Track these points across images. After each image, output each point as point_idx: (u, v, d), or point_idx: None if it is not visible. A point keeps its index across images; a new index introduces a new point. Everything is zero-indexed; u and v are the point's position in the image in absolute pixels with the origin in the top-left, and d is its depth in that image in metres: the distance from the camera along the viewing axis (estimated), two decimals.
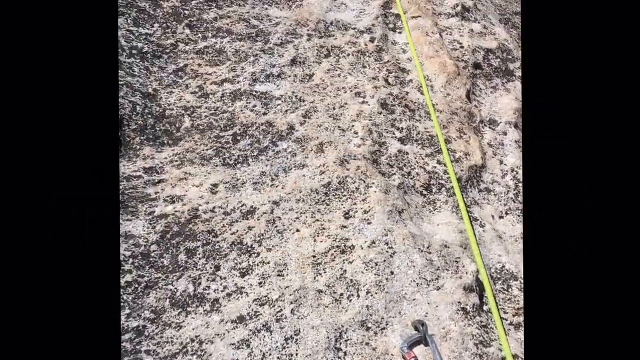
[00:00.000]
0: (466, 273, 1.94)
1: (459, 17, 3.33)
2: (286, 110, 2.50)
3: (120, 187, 2.11)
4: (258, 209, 2.07)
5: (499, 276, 2.09)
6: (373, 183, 2.18)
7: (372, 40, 2.96)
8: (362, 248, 1.92)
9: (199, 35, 2.83)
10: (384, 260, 1.88)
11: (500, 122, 2.74)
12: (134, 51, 2.63)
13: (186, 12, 2.92)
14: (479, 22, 3.34)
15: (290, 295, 1.79)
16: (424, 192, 2.30)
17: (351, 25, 3.07)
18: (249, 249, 1.93)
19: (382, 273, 1.85)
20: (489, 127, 2.71)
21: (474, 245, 2.03)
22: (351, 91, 2.64)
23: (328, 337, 1.69)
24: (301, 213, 2.06)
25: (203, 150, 2.31)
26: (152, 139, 2.34)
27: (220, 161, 2.27)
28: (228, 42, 2.82)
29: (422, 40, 3.01)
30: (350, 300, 1.79)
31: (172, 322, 1.72)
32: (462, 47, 3.09)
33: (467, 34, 3.20)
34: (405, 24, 3.09)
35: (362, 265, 1.86)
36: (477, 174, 2.45)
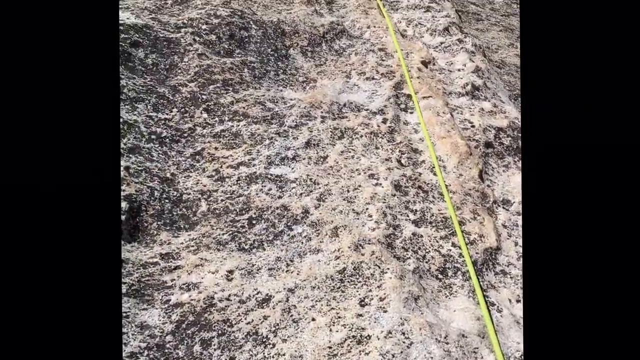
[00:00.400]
0: None
1: (469, 96, 3.41)
2: (301, 194, 2.54)
3: (137, 275, 2.13)
4: (273, 296, 2.07)
5: None
6: (388, 269, 2.17)
7: (384, 121, 3.03)
8: (378, 338, 1.90)
9: (216, 119, 2.92)
10: (401, 352, 1.86)
11: (514, 202, 2.75)
12: (153, 136, 2.71)
13: (204, 96, 3.02)
14: (489, 101, 3.42)
15: None
16: (440, 276, 2.29)
17: (364, 106, 3.15)
18: (264, 340, 1.92)
19: None
20: (503, 208, 2.72)
21: (492, 334, 2.00)
22: (365, 173, 2.68)
23: None
24: (316, 301, 2.06)
25: (219, 234, 2.34)
26: (169, 223, 2.38)
27: (236, 246, 2.29)
28: (244, 125, 2.90)
29: (433, 121, 3.07)
30: None
31: None
32: (473, 126, 3.15)
33: (477, 113, 3.26)
34: (417, 104, 3.17)
35: (379, 357, 1.84)
36: (493, 257, 2.44)
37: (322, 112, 3.05)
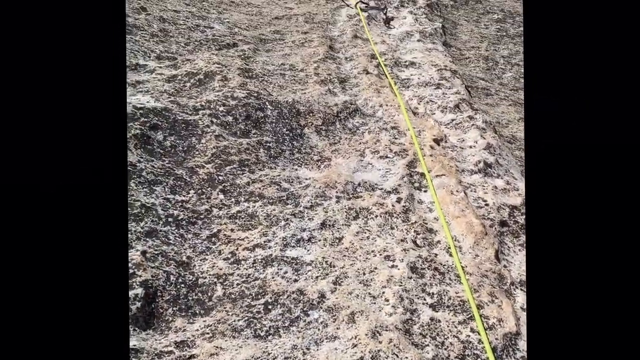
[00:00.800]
0: None
1: (482, 174, 3.44)
2: (317, 277, 2.53)
3: None
4: None
5: None
6: (407, 357, 2.13)
7: (398, 200, 3.05)
8: None
9: (232, 200, 2.96)
10: None
11: None
12: (170, 219, 2.74)
13: (220, 177, 3.08)
14: (501, 178, 3.44)
15: None
16: None
17: (378, 185, 3.19)
18: None
19: None
20: (521, 289, 2.68)
21: None
22: (380, 255, 2.68)
23: None
24: None
25: (234, 320, 2.32)
26: (184, 309, 2.37)
27: (251, 333, 2.27)
28: (260, 206, 2.93)
29: (447, 200, 3.09)
30: None
31: None
32: (487, 204, 3.16)
33: (491, 190, 3.28)
34: (430, 183, 3.20)
35: None
36: (513, 342, 2.39)
37: (336, 192, 3.09)
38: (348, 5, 6.25)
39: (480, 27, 6.87)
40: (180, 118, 3.38)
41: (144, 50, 4.07)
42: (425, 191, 3.22)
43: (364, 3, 6.16)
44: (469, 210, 3.02)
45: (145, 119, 3.23)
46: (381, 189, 3.16)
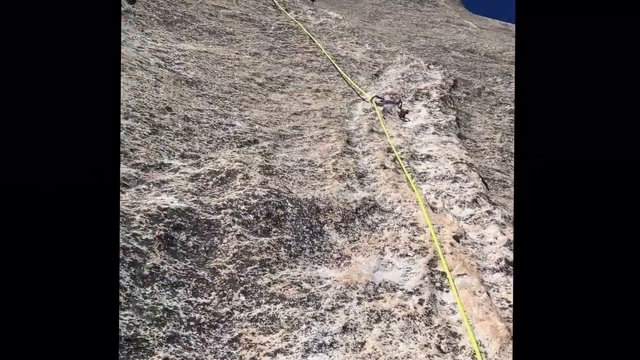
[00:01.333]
0: None
1: (504, 272, 3.41)
2: None
3: None
4: None
5: None
6: None
7: (420, 302, 3.03)
8: None
9: (253, 301, 2.96)
10: None
11: None
12: (191, 323, 2.74)
13: (242, 278, 3.09)
14: None
15: None
16: None
17: (399, 286, 3.17)
18: None
19: None
20: None
21: None
22: None
23: None
24: None
25: None
26: None
27: None
28: (281, 308, 2.92)
29: (470, 301, 3.05)
30: None
31: None
32: (510, 305, 3.11)
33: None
34: (452, 283, 3.18)
35: None
36: None
37: (357, 293, 3.07)
38: (364, 99, 6.47)
39: (494, 119, 7.03)
40: (202, 218, 3.44)
41: (168, 149, 4.22)
42: (447, 291, 3.19)
43: (379, 98, 6.38)
44: (493, 312, 2.98)
45: (169, 220, 3.29)
46: (402, 289, 3.14)
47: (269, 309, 2.92)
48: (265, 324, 2.83)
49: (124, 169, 3.74)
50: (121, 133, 4.13)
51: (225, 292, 2.99)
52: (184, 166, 4.05)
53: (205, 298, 2.92)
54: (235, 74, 6.53)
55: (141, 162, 3.91)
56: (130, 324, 2.59)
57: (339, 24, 10.14)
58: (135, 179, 3.70)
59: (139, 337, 2.55)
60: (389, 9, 15.82)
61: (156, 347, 2.55)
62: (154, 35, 6.85)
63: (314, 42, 8.48)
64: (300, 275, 3.19)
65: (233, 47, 7.53)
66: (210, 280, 3.04)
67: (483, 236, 3.82)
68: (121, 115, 4.35)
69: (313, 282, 3.16)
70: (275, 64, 7.31)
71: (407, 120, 6.09)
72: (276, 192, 3.84)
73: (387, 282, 3.20)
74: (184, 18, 7.91)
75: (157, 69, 5.80)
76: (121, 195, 3.46)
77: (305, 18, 9.97)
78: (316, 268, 3.31)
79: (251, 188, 3.81)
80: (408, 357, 2.65)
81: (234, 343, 2.71)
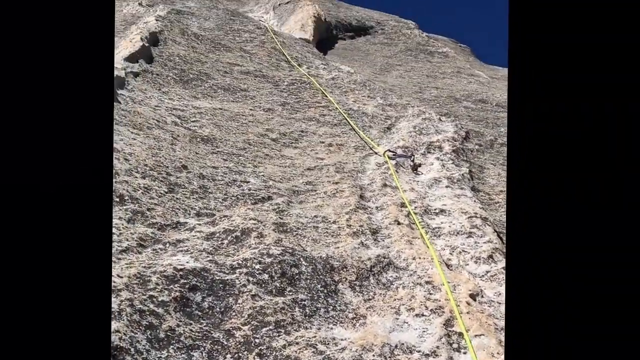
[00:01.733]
0: None
1: None
2: None
3: None
4: None
5: None
6: None
7: None
8: None
9: None
10: None
11: None
12: None
13: (257, 340, 3.08)
14: None
15: None
16: None
17: (416, 347, 3.13)
18: None
19: None
20: None
21: None
22: None
23: None
24: None
25: None
26: None
27: None
28: None
29: None
30: None
31: None
32: None
33: None
34: (470, 345, 3.13)
35: None
36: None
37: (374, 355, 3.04)
38: (377, 153, 6.54)
39: None
40: (218, 278, 3.46)
41: (184, 208, 4.28)
42: (464, 353, 3.14)
43: (391, 151, 6.44)
44: None
45: (185, 281, 3.31)
46: (419, 351, 3.11)
47: None
48: None
49: (141, 229, 3.79)
50: (138, 192, 4.20)
51: (240, 354, 2.98)
52: (200, 225, 4.10)
53: None
54: (250, 130, 6.66)
55: (158, 221, 3.97)
56: None
57: (351, 77, 10.34)
58: (152, 239, 3.75)
59: None
60: (400, 60, 16.11)
61: None
62: (170, 94, 7.05)
63: (326, 96, 8.65)
64: (315, 337, 3.17)
65: (247, 104, 7.71)
66: (225, 343, 3.03)
67: (500, 294, 3.79)
68: (138, 175, 4.44)
69: (328, 344, 3.13)
70: (289, 119, 7.45)
71: (420, 173, 6.13)
72: (290, 251, 3.85)
73: (403, 344, 3.17)
74: (200, 76, 8.13)
75: (174, 127, 5.94)
76: (138, 255, 3.50)
77: (317, 72, 10.19)
78: (331, 328, 3.29)
79: (265, 247, 3.83)
80: None
81: None
